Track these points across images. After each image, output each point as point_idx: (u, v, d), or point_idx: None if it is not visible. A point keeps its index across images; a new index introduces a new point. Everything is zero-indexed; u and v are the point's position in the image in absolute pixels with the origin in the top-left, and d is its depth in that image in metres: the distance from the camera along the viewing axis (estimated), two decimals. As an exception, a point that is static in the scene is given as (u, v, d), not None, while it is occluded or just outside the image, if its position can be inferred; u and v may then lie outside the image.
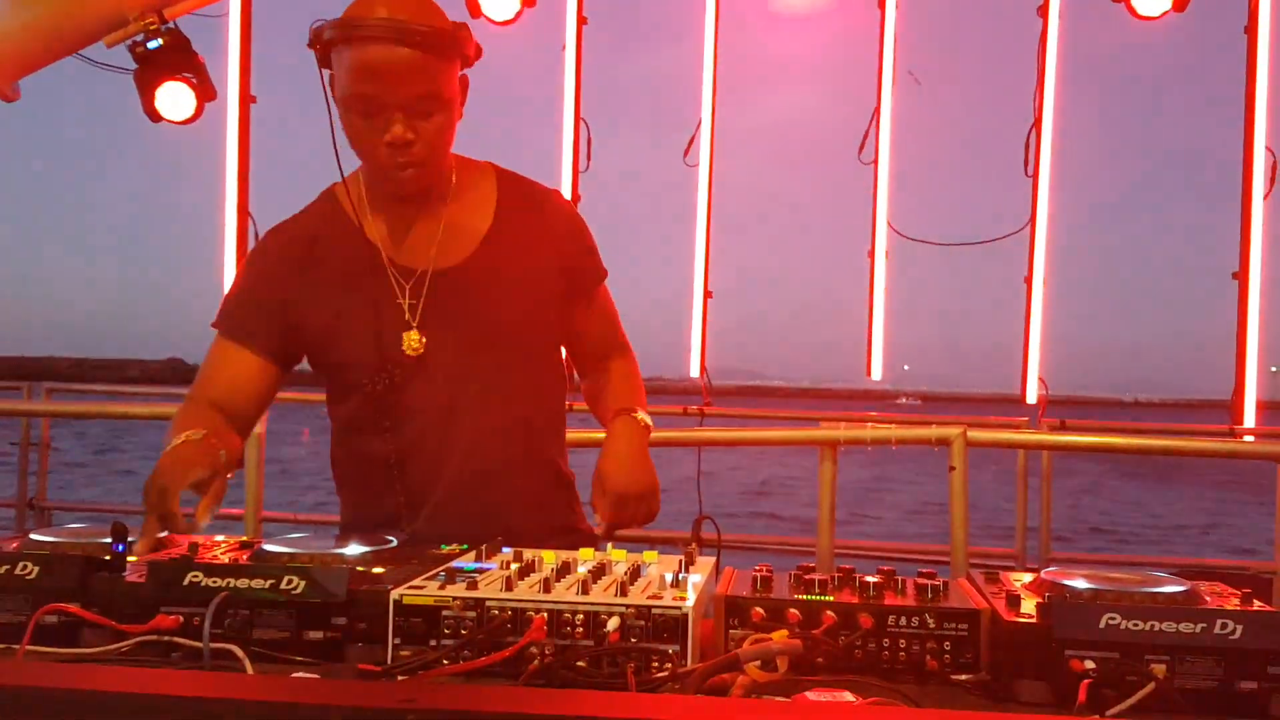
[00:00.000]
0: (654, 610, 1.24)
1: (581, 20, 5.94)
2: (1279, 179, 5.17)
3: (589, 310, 2.02)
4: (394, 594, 1.28)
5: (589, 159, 5.90)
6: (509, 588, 1.30)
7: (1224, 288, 5.31)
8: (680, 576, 1.37)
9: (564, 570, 1.40)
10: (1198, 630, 1.19)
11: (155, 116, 4.96)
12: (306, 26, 1.75)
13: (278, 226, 1.94)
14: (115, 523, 1.43)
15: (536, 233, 1.93)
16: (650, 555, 1.51)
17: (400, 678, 1.22)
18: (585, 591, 1.29)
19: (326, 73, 1.77)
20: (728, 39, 6.02)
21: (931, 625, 1.29)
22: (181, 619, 1.31)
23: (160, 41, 4.70)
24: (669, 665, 1.22)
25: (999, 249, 5.66)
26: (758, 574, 1.37)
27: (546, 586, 1.30)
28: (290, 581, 1.32)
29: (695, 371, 6.03)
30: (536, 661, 1.22)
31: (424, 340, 1.85)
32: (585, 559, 1.49)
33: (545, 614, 1.25)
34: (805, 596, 1.33)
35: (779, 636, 1.22)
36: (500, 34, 5.00)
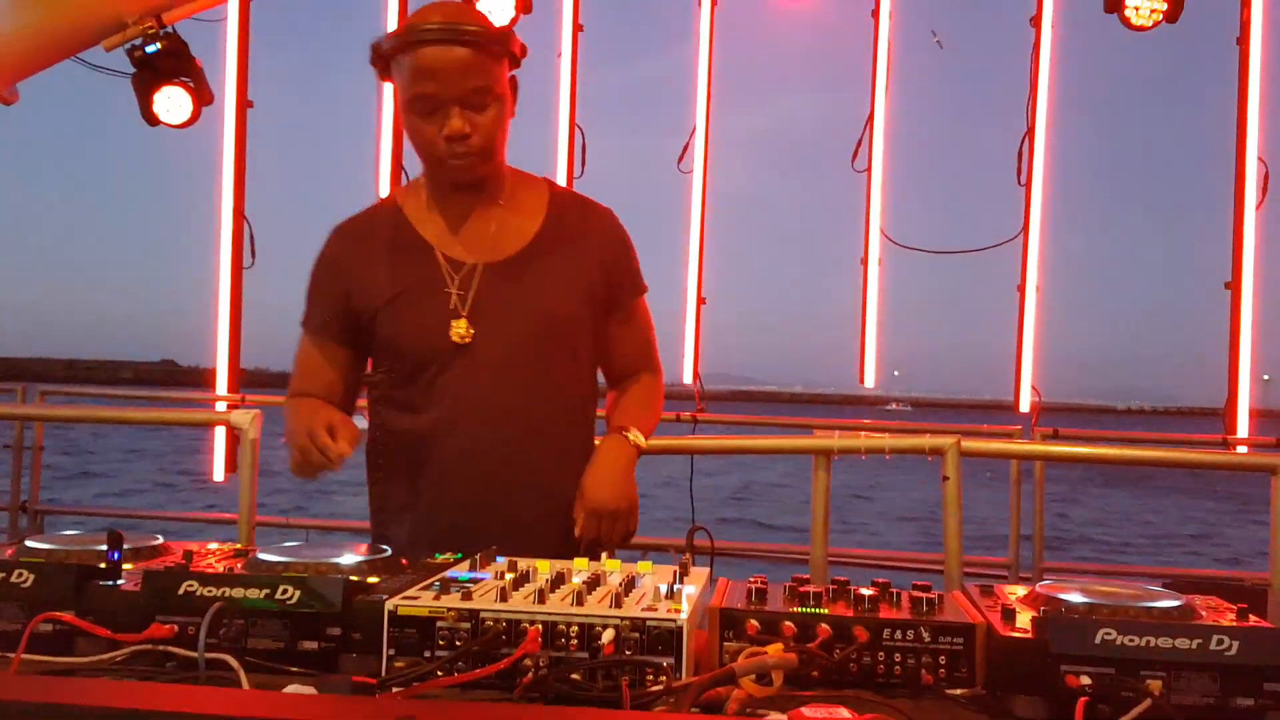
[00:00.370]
0: (649, 623, 1.24)
1: (577, 27, 5.95)
2: (1271, 189, 5.20)
3: (625, 323, 2.09)
4: (389, 604, 1.28)
5: (583, 165, 5.92)
6: (504, 598, 1.29)
7: (1217, 297, 5.33)
8: (675, 588, 1.37)
9: (558, 580, 1.40)
10: (1194, 646, 1.19)
11: (153, 120, 4.96)
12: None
13: (340, 223, 2.06)
14: (110, 531, 1.42)
15: (583, 238, 2.03)
16: (645, 566, 1.51)
17: (395, 690, 1.21)
18: (580, 603, 1.28)
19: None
20: (722, 47, 6.04)
21: (927, 639, 1.28)
22: (176, 628, 1.31)
23: (158, 46, 4.70)
24: (664, 679, 1.22)
25: (992, 257, 5.68)
26: (752, 586, 1.37)
27: (541, 597, 1.29)
28: (285, 591, 1.32)
29: (689, 377, 6.03)
30: (531, 674, 1.21)
31: (471, 330, 1.92)
32: (580, 569, 1.49)
33: (540, 625, 1.25)
34: (800, 609, 1.32)
35: (774, 650, 1.21)
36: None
